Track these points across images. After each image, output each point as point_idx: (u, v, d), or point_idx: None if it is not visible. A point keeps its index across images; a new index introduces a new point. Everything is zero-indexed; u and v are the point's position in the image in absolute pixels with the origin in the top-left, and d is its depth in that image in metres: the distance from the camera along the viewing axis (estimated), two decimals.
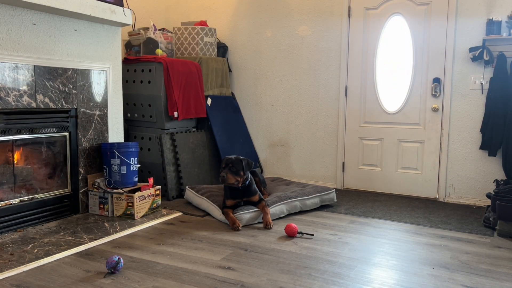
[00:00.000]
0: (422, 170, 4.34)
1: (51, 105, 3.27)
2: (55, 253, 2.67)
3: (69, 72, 3.40)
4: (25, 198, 3.22)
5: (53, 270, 2.48)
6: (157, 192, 3.70)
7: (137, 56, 4.39)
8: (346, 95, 4.63)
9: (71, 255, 2.71)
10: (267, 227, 3.30)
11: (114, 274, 2.43)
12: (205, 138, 4.64)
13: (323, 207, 3.93)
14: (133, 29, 4.63)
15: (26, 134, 3.19)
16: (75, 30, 3.44)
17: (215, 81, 4.86)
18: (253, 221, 3.40)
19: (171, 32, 4.82)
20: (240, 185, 3.38)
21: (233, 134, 4.90)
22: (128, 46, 4.56)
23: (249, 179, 3.45)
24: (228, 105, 5.00)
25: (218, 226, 3.37)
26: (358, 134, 4.62)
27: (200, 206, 3.76)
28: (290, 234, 3.11)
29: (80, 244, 2.85)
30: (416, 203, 4.13)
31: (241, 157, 3.40)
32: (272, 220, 3.48)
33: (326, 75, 4.72)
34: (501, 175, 3.98)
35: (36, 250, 2.72)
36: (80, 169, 3.55)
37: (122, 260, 2.46)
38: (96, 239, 2.95)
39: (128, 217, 3.45)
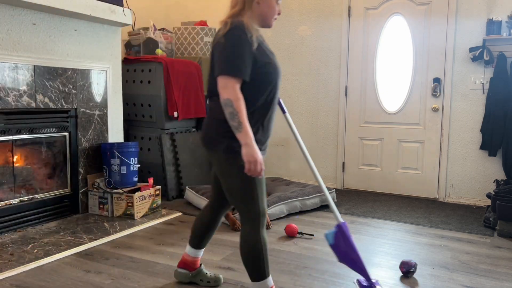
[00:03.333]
0: (422, 170, 4.34)
1: (51, 105, 3.27)
2: (55, 253, 2.67)
3: (69, 72, 3.40)
4: (25, 198, 3.22)
5: (53, 270, 2.47)
6: (157, 192, 3.69)
7: (137, 56, 4.39)
8: (346, 95, 4.63)
9: (71, 255, 2.70)
10: (265, 227, 3.30)
11: (407, 276, 2.45)
12: None
13: (323, 207, 3.92)
14: (133, 29, 4.63)
15: (26, 134, 3.18)
16: (75, 30, 3.44)
17: None
18: None
19: (171, 32, 4.81)
20: None
21: None
22: (128, 46, 4.56)
23: None
24: None
25: None
26: (358, 134, 4.61)
27: (200, 206, 3.75)
28: (290, 234, 3.11)
29: (80, 244, 2.85)
30: (416, 203, 4.13)
31: None
32: (272, 220, 3.48)
33: (326, 75, 4.71)
34: (501, 175, 3.98)
35: (36, 250, 2.72)
36: (80, 169, 3.55)
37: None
38: (96, 239, 2.95)
39: (128, 217, 3.45)
